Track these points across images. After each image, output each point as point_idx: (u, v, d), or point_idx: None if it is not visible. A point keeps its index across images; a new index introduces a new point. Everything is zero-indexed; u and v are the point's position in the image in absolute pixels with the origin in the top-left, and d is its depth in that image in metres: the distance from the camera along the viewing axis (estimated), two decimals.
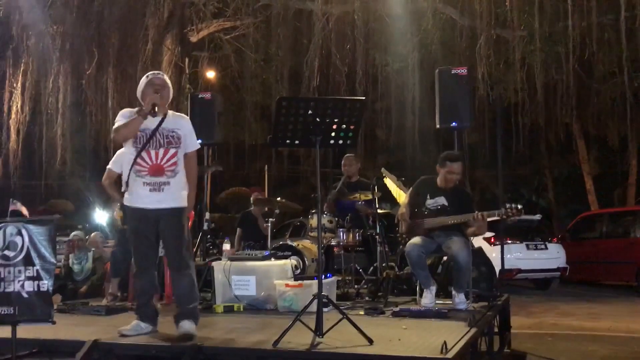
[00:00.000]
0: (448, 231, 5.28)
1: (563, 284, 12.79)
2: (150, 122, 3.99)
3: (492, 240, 10.67)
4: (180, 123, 4.11)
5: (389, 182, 7.20)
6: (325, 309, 3.74)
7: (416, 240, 5.30)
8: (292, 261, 5.76)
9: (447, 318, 4.52)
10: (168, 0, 11.71)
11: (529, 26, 11.21)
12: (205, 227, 7.27)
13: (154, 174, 3.96)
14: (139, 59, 11.44)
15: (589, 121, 16.64)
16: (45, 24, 11.67)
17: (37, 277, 3.47)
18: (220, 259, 5.77)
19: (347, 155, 7.28)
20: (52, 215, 3.73)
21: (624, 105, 12.74)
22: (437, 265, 6.09)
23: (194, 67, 13.30)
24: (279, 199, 7.75)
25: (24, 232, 3.50)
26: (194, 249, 6.51)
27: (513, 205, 5.10)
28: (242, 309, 5.23)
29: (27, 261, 3.48)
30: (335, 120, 3.90)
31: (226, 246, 6.21)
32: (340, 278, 6.24)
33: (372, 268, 6.67)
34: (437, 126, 6.73)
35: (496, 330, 5.44)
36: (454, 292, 5.17)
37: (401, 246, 5.78)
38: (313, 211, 6.67)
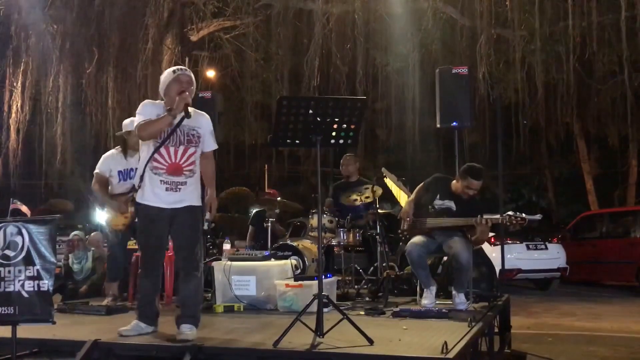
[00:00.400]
0: (449, 231, 5.27)
1: (563, 284, 12.79)
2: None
3: (492, 240, 10.66)
4: (200, 121, 4.02)
5: (389, 182, 7.19)
6: (325, 309, 3.74)
7: (417, 239, 5.29)
8: (292, 261, 5.75)
9: (448, 318, 4.51)
10: (168, 0, 11.71)
11: (529, 26, 11.21)
12: (205, 227, 7.25)
13: (172, 173, 3.87)
14: (139, 58, 11.43)
15: (590, 121, 16.64)
16: (45, 24, 11.67)
17: (37, 277, 3.47)
18: (220, 259, 5.77)
19: (346, 155, 7.28)
20: (52, 215, 3.72)
21: (625, 105, 12.75)
22: (437, 266, 6.09)
23: (194, 67, 13.27)
24: (279, 198, 7.74)
25: (24, 231, 3.49)
26: None
27: (517, 214, 5.09)
28: (242, 309, 5.22)
29: (28, 261, 3.48)
30: (336, 119, 3.89)
31: (226, 246, 6.19)
32: (340, 278, 6.23)
33: (372, 268, 6.66)
34: (438, 126, 6.72)
35: (496, 330, 5.44)
36: (454, 292, 5.16)
37: (401, 243, 5.76)
38: (313, 211, 6.67)
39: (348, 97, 4.45)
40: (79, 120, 12.90)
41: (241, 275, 5.42)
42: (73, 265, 7.88)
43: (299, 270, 5.95)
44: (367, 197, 6.61)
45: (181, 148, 3.88)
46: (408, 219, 5.48)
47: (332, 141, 3.99)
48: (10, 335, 3.47)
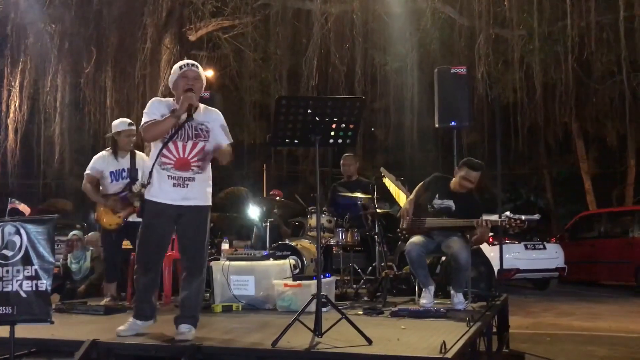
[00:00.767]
0: (448, 231, 5.28)
1: (561, 284, 12.81)
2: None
3: (491, 240, 10.67)
4: (210, 116, 3.96)
5: (388, 182, 7.19)
6: (324, 309, 3.74)
7: (416, 239, 5.30)
8: (291, 261, 5.75)
9: (446, 318, 4.51)
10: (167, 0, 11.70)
11: (527, 26, 11.22)
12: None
13: (180, 168, 3.82)
14: (137, 57, 11.42)
15: (588, 121, 16.66)
16: (43, 23, 11.66)
17: (35, 277, 3.46)
18: (218, 259, 5.77)
19: (346, 154, 7.28)
20: (50, 215, 3.71)
21: (623, 105, 12.76)
22: (436, 265, 6.09)
23: None
24: (277, 198, 7.74)
25: (22, 231, 3.49)
26: None
27: (516, 216, 5.09)
28: (240, 309, 5.22)
29: (26, 261, 3.47)
30: (335, 119, 3.89)
31: (225, 246, 6.19)
32: (339, 278, 6.24)
33: (370, 268, 6.67)
34: (436, 125, 6.73)
35: (495, 330, 5.44)
36: (452, 292, 5.17)
37: (400, 242, 5.77)
38: (312, 210, 6.66)
39: (347, 97, 4.44)
40: (77, 119, 12.89)
41: (240, 275, 5.43)
42: (71, 265, 7.86)
43: (297, 270, 5.96)
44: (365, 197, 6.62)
45: (190, 143, 3.84)
46: (407, 217, 5.49)
47: (331, 141, 3.98)
48: (8, 335, 3.47)
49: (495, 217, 5.32)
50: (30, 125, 12.91)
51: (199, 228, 3.88)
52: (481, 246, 10.38)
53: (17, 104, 12.26)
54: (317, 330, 3.57)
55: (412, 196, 5.63)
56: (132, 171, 5.73)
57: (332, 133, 3.94)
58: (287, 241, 6.66)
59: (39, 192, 16.79)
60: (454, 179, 5.40)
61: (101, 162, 5.77)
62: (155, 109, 3.91)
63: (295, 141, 4.03)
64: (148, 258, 3.91)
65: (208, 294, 5.56)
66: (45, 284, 3.47)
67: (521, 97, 12.06)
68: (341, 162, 7.25)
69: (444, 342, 3.20)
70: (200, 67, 4.07)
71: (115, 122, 5.94)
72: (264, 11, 12.27)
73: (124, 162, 5.77)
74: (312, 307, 3.71)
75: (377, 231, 6.32)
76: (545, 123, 14.97)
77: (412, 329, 4.06)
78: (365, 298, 5.88)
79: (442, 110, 6.55)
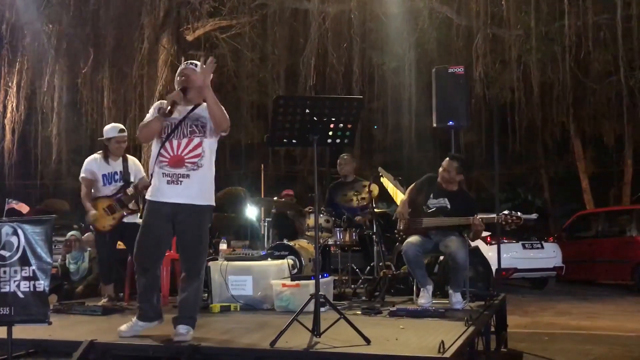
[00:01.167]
0: (445, 230, 5.28)
1: (559, 283, 12.84)
2: (178, 112, 3.86)
3: (489, 239, 10.69)
4: (206, 110, 3.87)
5: (386, 182, 7.20)
6: (322, 309, 3.74)
7: (413, 239, 5.30)
8: (289, 261, 5.75)
9: (444, 317, 4.52)
10: None
11: (525, 25, 11.22)
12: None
13: (174, 165, 3.79)
14: (134, 58, 11.41)
15: (585, 120, 16.66)
16: (40, 23, 11.64)
17: (33, 277, 3.46)
18: (216, 259, 5.76)
19: (342, 155, 7.29)
20: (48, 215, 3.70)
21: (620, 104, 12.78)
22: (434, 265, 6.10)
23: None
24: (275, 198, 7.75)
25: (20, 232, 3.48)
26: None
27: (513, 213, 5.10)
28: (238, 309, 5.22)
29: (23, 261, 3.47)
30: (333, 119, 3.89)
31: (223, 246, 6.19)
32: (337, 278, 6.24)
33: (368, 268, 6.67)
34: (434, 125, 6.72)
35: (493, 329, 5.44)
36: (450, 292, 5.17)
37: (398, 243, 5.78)
38: (310, 210, 6.66)
39: (344, 97, 4.45)
40: (74, 120, 12.87)
41: (238, 275, 5.43)
42: (69, 265, 7.86)
43: (295, 270, 5.96)
44: (362, 198, 6.62)
45: (184, 140, 3.83)
46: (404, 219, 5.50)
47: (329, 141, 3.98)
48: (6, 336, 3.46)
49: (493, 215, 5.33)
50: (27, 125, 12.90)
51: (194, 229, 3.83)
52: (479, 246, 10.42)
53: (14, 104, 12.25)
54: (316, 330, 3.57)
55: (405, 197, 5.66)
56: (125, 174, 5.76)
57: (330, 133, 3.94)
58: (285, 241, 6.66)
59: (37, 192, 16.74)
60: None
61: (93, 164, 5.81)
62: (155, 109, 3.94)
63: (293, 141, 4.03)
64: (146, 258, 3.90)
65: (206, 294, 5.56)
66: (42, 284, 3.47)
67: (519, 96, 12.06)
68: (338, 162, 7.25)
69: (442, 342, 3.21)
70: (198, 65, 3.95)
71: (106, 128, 5.99)
72: (262, 11, 12.27)
73: (117, 165, 5.81)
74: (311, 307, 3.71)
75: (375, 231, 6.33)
76: (543, 122, 14.99)
77: (411, 328, 4.06)
78: (364, 298, 5.88)
79: (440, 110, 6.54)
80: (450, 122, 6.47)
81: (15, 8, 11.26)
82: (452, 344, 3.34)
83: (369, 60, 12.41)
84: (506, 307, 6.20)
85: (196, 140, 3.83)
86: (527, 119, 13.43)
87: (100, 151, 5.88)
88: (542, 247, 11.67)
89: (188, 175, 3.80)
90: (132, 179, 5.81)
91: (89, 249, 7.90)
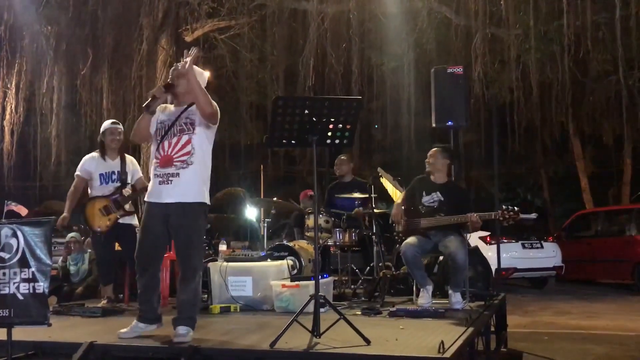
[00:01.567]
0: (445, 230, 5.29)
1: (559, 283, 12.84)
2: (172, 114, 3.89)
3: (488, 239, 10.70)
4: (195, 109, 3.87)
5: (386, 182, 7.20)
6: (322, 310, 3.74)
7: (411, 240, 5.31)
8: (289, 261, 5.75)
9: (444, 318, 4.52)
10: (162, 0, 11.68)
11: (524, 25, 11.22)
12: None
13: (164, 165, 3.82)
14: (133, 59, 11.41)
15: (584, 120, 16.66)
16: (39, 24, 11.63)
17: (32, 279, 3.46)
18: (216, 260, 5.76)
19: (340, 156, 7.29)
20: (47, 217, 3.70)
21: (619, 103, 12.79)
22: (434, 265, 6.10)
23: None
24: (275, 198, 7.74)
25: (19, 233, 3.48)
26: None
27: (510, 207, 5.11)
28: (238, 310, 5.22)
29: (23, 263, 3.47)
30: (332, 119, 3.89)
31: (222, 247, 6.19)
32: (336, 278, 6.24)
33: (368, 268, 6.66)
34: (433, 125, 6.72)
35: (493, 329, 5.44)
36: (450, 292, 5.17)
37: (397, 245, 5.79)
38: (309, 211, 6.66)
39: (343, 97, 4.45)
40: (73, 121, 12.87)
41: (237, 276, 5.42)
42: (69, 267, 7.86)
43: (295, 271, 5.95)
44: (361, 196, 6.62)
45: (174, 139, 3.85)
46: (401, 220, 5.52)
47: (328, 141, 3.98)
48: (6, 337, 3.46)
49: (490, 212, 5.33)
50: (26, 127, 12.89)
51: (188, 227, 3.82)
52: (479, 245, 10.43)
53: (13, 106, 12.24)
54: (315, 331, 3.57)
55: (399, 201, 5.69)
56: (123, 174, 5.74)
57: (329, 133, 3.95)
58: (284, 242, 6.65)
59: (36, 194, 16.72)
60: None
61: (90, 162, 5.79)
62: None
63: (293, 142, 4.03)
64: (144, 258, 3.93)
65: (206, 295, 5.55)
66: (42, 286, 3.47)
67: (518, 96, 12.06)
68: (335, 163, 7.25)
69: (442, 342, 3.21)
70: (182, 63, 3.94)
71: (105, 123, 6.01)
72: (260, 12, 12.26)
73: (114, 165, 5.78)
74: (310, 307, 3.71)
75: (374, 231, 6.32)
76: (542, 122, 15.00)
77: (410, 328, 4.06)
78: (363, 298, 5.88)
79: (439, 110, 6.54)
80: (450, 122, 6.48)
81: (14, 9, 11.25)
82: (452, 344, 3.34)
83: (368, 60, 12.41)
84: (506, 306, 6.20)
85: (185, 138, 3.84)
86: (526, 118, 13.44)
87: (98, 149, 5.87)
88: (542, 247, 11.68)
89: (178, 174, 3.80)
90: (129, 179, 5.80)
91: (89, 250, 7.89)
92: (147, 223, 3.90)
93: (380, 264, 6.19)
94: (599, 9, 11.17)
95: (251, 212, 9.48)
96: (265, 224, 6.76)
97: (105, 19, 11.15)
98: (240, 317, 4.93)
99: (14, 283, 3.45)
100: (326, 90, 11.81)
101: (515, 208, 5.12)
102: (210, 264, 5.62)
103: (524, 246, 11.47)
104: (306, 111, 3.83)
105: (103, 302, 5.68)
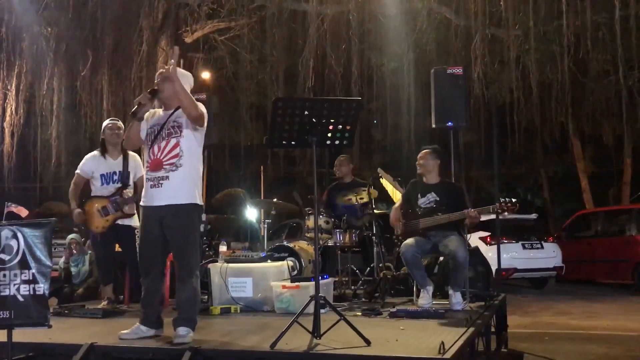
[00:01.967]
0: (444, 230, 5.29)
1: (559, 283, 12.84)
2: (161, 118, 3.92)
3: (488, 239, 10.70)
4: (181, 112, 3.87)
5: (386, 182, 7.19)
6: (322, 311, 3.74)
7: (410, 240, 5.32)
8: (289, 262, 5.75)
9: (444, 318, 4.52)
10: (162, 2, 11.69)
11: (523, 25, 11.22)
12: (201, 228, 7.22)
13: (154, 169, 3.87)
14: (133, 60, 11.41)
15: (584, 120, 16.66)
16: (39, 26, 11.64)
17: (32, 281, 3.46)
18: (216, 261, 5.76)
19: (339, 156, 7.29)
20: (47, 218, 3.70)
21: (619, 103, 12.78)
22: (434, 266, 6.10)
23: (188, 68, 13.20)
24: (275, 199, 7.74)
25: (19, 235, 3.48)
26: None
27: (507, 199, 5.12)
28: (238, 311, 5.22)
29: (23, 265, 3.47)
30: (332, 120, 3.90)
31: (223, 248, 6.18)
32: (337, 279, 6.24)
33: (368, 269, 6.67)
34: (433, 126, 6.73)
35: (493, 329, 5.44)
36: (450, 292, 5.17)
37: (397, 247, 5.80)
38: (309, 211, 6.66)
39: (343, 98, 4.46)
40: (73, 122, 12.87)
41: (238, 277, 5.43)
42: (70, 268, 7.86)
43: (295, 272, 5.95)
44: (361, 198, 6.61)
45: (163, 143, 3.88)
46: (400, 222, 5.53)
47: (328, 142, 3.99)
48: (6, 339, 3.46)
49: (488, 206, 5.34)
50: (26, 128, 12.90)
51: (180, 228, 3.84)
52: (479, 246, 10.43)
53: (13, 107, 12.25)
54: (316, 332, 3.58)
55: (396, 204, 5.72)
56: (124, 175, 5.70)
57: (329, 134, 3.95)
58: (284, 243, 6.65)
59: (36, 195, 16.73)
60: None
61: (91, 161, 5.75)
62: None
63: (292, 142, 4.03)
64: (144, 262, 3.98)
65: (206, 297, 5.55)
66: (42, 287, 3.47)
67: (517, 96, 12.06)
68: (335, 164, 7.25)
69: (442, 343, 3.21)
70: (165, 68, 3.95)
71: (105, 122, 5.99)
72: (260, 13, 12.27)
73: (116, 165, 5.72)
74: (311, 308, 3.71)
75: (374, 232, 6.32)
76: (542, 122, 14.99)
77: (411, 329, 4.06)
78: (364, 299, 5.88)
79: (439, 111, 6.54)
80: (449, 123, 6.48)
81: (14, 11, 11.25)
82: (452, 345, 3.34)
83: (367, 61, 12.40)
84: (506, 307, 6.20)
85: (173, 141, 3.87)
86: (526, 119, 13.43)
87: (99, 148, 5.84)
88: (542, 247, 11.68)
89: (167, 177, 3.84)
90: (131, 179, 5.75)
91: (89, 251, 7.89)
92: (145, 226, 3.95)
93: (380, 265, 6.19)
94: (598, 9, 11.16)
95: (251, 213, 9.45)
96: (266, 225, 6.75)
97: (105, 21, 11.16)
98: (240, 318, 4.94)
99: (14, 284, 3.45)
100: (326, 91, 11.81)
101: (513, 200, 5.13)
102: (210, 265, 5.62)
103: (524, 246, 11.47)
104: (306, 112, 3.84)
105: (103, 304, 5.67)
